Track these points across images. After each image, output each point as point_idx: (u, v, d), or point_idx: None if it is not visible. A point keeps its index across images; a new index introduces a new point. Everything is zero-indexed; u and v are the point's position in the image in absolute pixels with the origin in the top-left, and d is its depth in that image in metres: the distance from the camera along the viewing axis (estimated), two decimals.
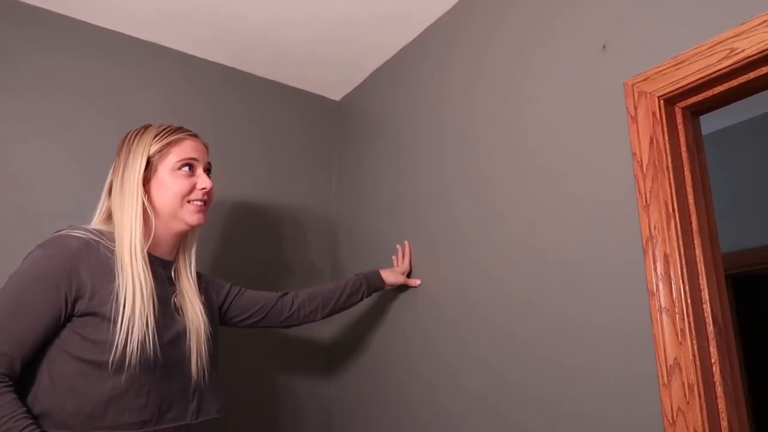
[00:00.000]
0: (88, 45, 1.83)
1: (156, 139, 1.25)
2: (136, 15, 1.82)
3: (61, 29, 1.79)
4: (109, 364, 1.07)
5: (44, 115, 1.71)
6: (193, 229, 1.32)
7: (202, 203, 1.28)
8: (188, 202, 1.26)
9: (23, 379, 1.08)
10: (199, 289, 1.34)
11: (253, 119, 2.13)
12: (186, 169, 1.26)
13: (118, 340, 1.08)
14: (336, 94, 2.35)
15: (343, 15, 1.82)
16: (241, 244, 1.98)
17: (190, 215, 1.26)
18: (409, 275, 1.73)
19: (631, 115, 1.15)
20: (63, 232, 1.16)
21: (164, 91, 1.94)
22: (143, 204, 1.21)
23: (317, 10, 1.79)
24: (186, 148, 1.27)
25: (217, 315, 1.42)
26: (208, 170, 1.32)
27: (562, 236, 1.27)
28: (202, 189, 1.27)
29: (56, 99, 1.74)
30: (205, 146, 1.34)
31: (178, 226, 1.27)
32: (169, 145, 1.25)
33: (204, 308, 1.29)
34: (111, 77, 1.85)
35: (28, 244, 1.15)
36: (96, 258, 1.14)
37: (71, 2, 1.75)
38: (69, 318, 1.10)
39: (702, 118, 1.18)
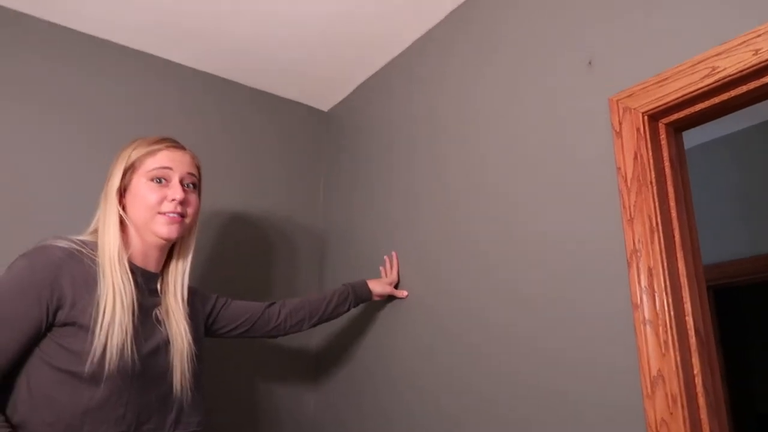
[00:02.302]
0: (76, 53, 1.83)
1: (135, 150, 1.24)
2: (127, 25, 1.82)
3: (48, 36, 1.79)
4: (87, 373, 1.06)
5: (29, 122, 1.70)
6: (179, 243, 1.30)
7: (174, 215, 1.23)
8: (159, 213, 1.22)
9: (2, 389, 1.07)
10: (189, 304, 1.32)
11: (242, 129, 2.13)
12: (158, 179, 1.23)
13: (95, 347, 1.07)
14: (324, 105, 2.37)
15: (330, 28, 1.83)
16: (229, 255, 1.98)
17: (160, 227, 1.22)
18: (396, 286, 1.74)
19: (615, 131, 1.17)
20: (47, 242, 1.15)
21: (153, 99, 1.94)
22: (119, 214, 1.21)
23: (305, 24, 1.81)
24: (160, 158, 1.24)
25: (203, 329, 1.41)
26: (191, 183, 1.28)
27: (548, 249, 1.29)
28: (173, 200, 1.22)
29: (43, 106, 1.73)
30: (191, 158, 1.30)
31: (151, 239, 1.23)
32: (145, 155, 1.24)
33: (189, 327, 1.27)
34: (99, 86, 1.84)
35: (15, 252, 1.14)
36: (78, 268, 1.13)
37: (59, 9, 1.74)
38: (49, 328, 1.09)
39: (687, 131, 1.21)
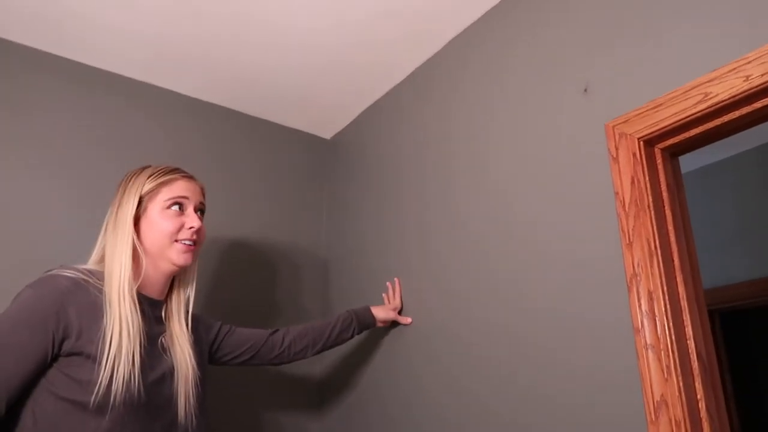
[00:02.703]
0: (88, 86, 1.87)
1: (150, 178, 1.27)
2: (135, 58, 1.87)
3: (61, 71, 1.83)
4: (93, 404, 1.06)
5: (45, 155, 1.73)
6: (183, 270, 1.32)
7: (190, 243, 1.27)
8: (176, 241, 1.26)
9: (7, 419, 1.07)
10: (193, 331, 1.33)
11: (246, 157, 2.17)
12: (175, 208, 1.27)
13: (102, 378, 1.07)
14: (327, 133, 2.40)
15: (333, 57, 1.88)
16: (232, 281, 1.99)
17: (177, 255, 1.25)
18: (400, 312, 1.74)
19: (612, 156, 1.19)
20: (53, 271, 1.16)
21: (162, 129, 1.98)
22: (133, 243, 1.22)
23: (307, 53, 1.85)
24: (176, 188, 1.28)
25: (207, 356, 1.41)
26: (201, 211, 1.33)
27: (549, 273, 1.29)
28: (191, 228, 1.27)
29: (57, 139, 1.77)
30: (201, 187, 1.35)
31: (166, 266, 1.26)
32: (161, 185, 1.27)
33: (193, 352, 1.28)
34: (111, 117, 1.88)
35: (22, 282, 1.15)
36: (85, 297, 1.14)
37: (71, 45, 1.79)
38: (55, 358, 1.09)
39: (684, 156, 1.22)
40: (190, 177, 1.33)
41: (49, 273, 1.16)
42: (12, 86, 1.74)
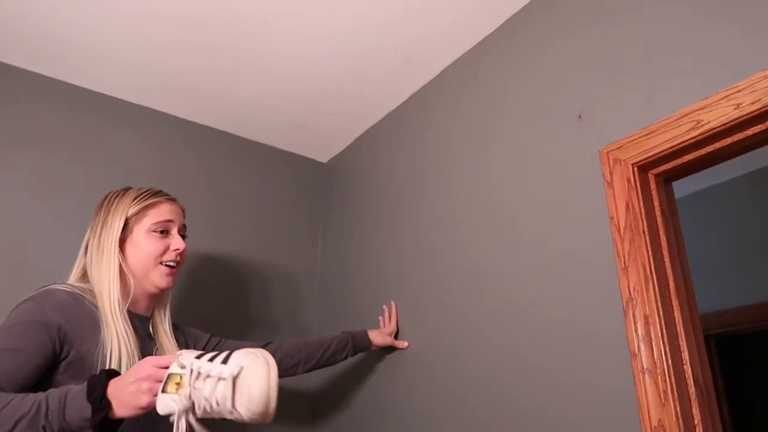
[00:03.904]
0: (80, 107, 1.89)
1: (135, 201, 1.30)
2: (132, 85, 1.91)
3: (56, 93, 1.85)
4: None
5: (38, 175, 1.74)
6: (166, 290, 1.35)
7: (174, 264, 1.31)
8: (161, 263, 1.29)
9: None
10: (177, 342, 1.36)
11: (243, 180, 2.18)
12: (161, 231, 1.30)
13: None
14: (323, 157, 2.42)
15: (329, 83, 1.90)
16: (227, 302, 1.98)
17: (160, 278, 1.29)
18: (396, 336, 1.73)
19: (607, 181, 1.20)
20: (50, 286, 1.18)
21: (156, 151, 1.99)
22: (119, 264, 1.25)
23: (304, 79, 1.88)
24: (162, 211, 1.31)
25: None
26: (183, 233, 1.36)
27: (546, 298, 1.30)
28: (175, 250, 1.31)
29: (51, 160, 1.78)
30: (182, 209, 1.39)
31: (149, 287, 1.30)
32: (146, 207, 1.30)
33: None
34: (105, 139, 1.90)
35: (10, 299, 1.16)
36: (82, 311, 1.17)
37: (71, 70, 1.82)
38: (59, 363, 1.11)
39: (678, 181, 1.24)
40: (173, 200, 1.37)
41: (47, 287, 1.18)
42: (9, 109, 1.75)
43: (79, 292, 1.20)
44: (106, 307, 1.19)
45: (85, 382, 0.96)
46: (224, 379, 0.87)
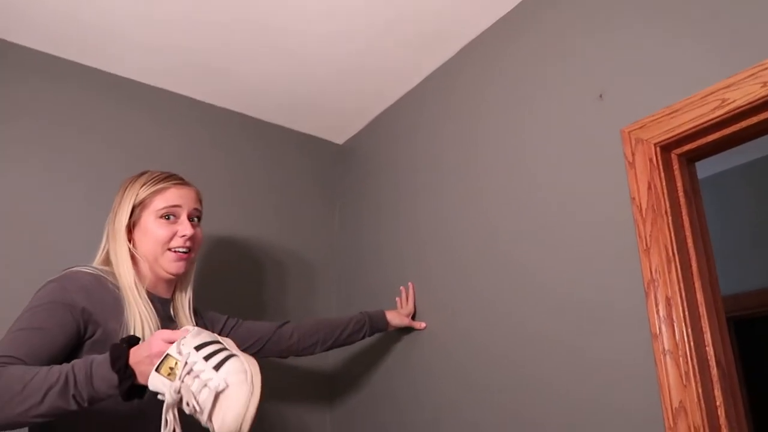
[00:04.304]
0: (104, 91, 1.90)
1: (143, 187, 1.30)
2: (151, 68, 1.91)
3: (78, 76, 1.86)
4: None
5: (63, 159, 1.77)
6: (178, 276, 1.34)
7: (184, 251, 1.29)
8: (169, 249, 1.28)
9: None
10: (197, 325, 1.36)
11: (259, 162, 2.18)
12: (168, 217, 1.29)
13: None
14: (339, 138, 2.41)
15: (344, 65, 1.89)
16: (244, 283, 2.00)
17: (169, 263, 1.28)
18: (414, 316, 1.74)
19: (628, 161, 1.19)
20: (73, 268, 1.20)
21: (175, 134, 2.00)
22: (129, 250, 1.26)
23: (320, 61, 1.87)
24: (169, 196, 1.29)
25: None
26: (197, 218, 1.35)
27: (567, 279, 1.29)
28: (183, 236, 1.28)
29: (73, 143, 1.80)
30: (195, 193, 1.36)
31: (162, 273, 1.29)
32: (153, 194, 1.29)
33: None
34: (126, 121, 1.91)
35: (38, 282, 1.17)
36: (105, 292, 1.19)
37: (92, 54, 1.82)
38: (83, 343, 1.13)
39: (701, 162, 1.22)
40: (183, 183, 1.35)
41: (70, 270, 1.20)
42: (35, 93, 1.77)
43: (101, 274, 1.21)
44: (126, 289, 1.21)
45: (107, 353, 0.98)
46: (209, 387, 0.88)
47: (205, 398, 0.88)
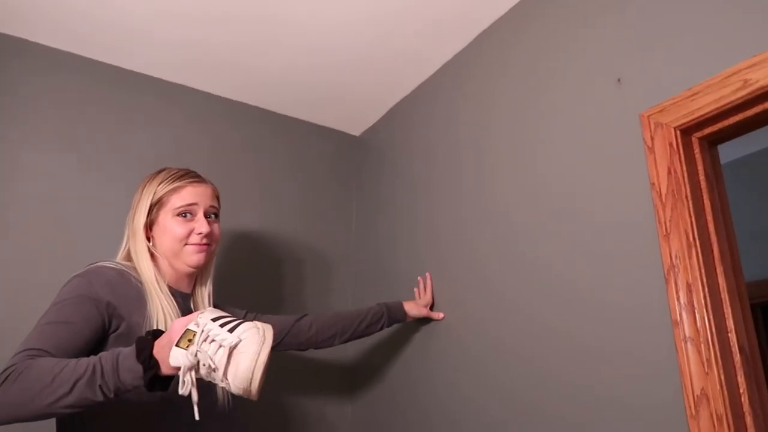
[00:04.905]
0: (126, 89, 1.93)
1: (160, 186, 1.32)
2: (168, 62, 1.93)
3: (101, 74, 1.90)
4: None
5: (85, 154, 1.80)
6: (200, 268, 1.36)
7: (204, 242, 1.32)
8: (187, 244, 1.31)
9: None
10: None
11: (275, 154, 2.20)
12: (185, 215, 1.31)
13: None
14: (356, 130, 2.41)
15: (360, 56, 1.89)
16: (262, 276, 2.02)
17: (189, 256, 1.31)
18: (431, 307, 1.74)
19: (648, 146, 1.16)
20: (97, 264, 1.23)
21: (193, 129, 2.02)
22: (148, 248, 1.29)
23: (335, 52, 1.87)
24: (185, 195, 1.32)
25: None
26: (214, 214, 1.37)
27: (585, 267, 1.28)
28: (199, 234, 1.31)
29: (98, 139, 1.83)
30: (212, 190, 1.38)
31: (183, 268, 1.32)
32: (170, 192, 1.31)
33: None
34: (148, 119, 1.94)
35: (61, 276, 1.20)
36: (128, 286, 1.22)
37: (110, 50, 1.85)
38: (108, 336, 1.15)
39: (726, 144, 1.19)
40: (199, 181, 1.36)
41: (94, 265, 1.23)
42: (59, 90, 1.81)
43: (125, 269, 1.24)
44: (148, 284, 1.24)
45: (133, 345, 1.00)
46: (224, 346, 0.90)
47: (221, 356, 0.90)
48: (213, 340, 0.92)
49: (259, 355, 0.90)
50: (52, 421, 1.16)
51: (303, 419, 1.96)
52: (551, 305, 1.34)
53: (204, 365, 0.91)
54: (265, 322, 1.50)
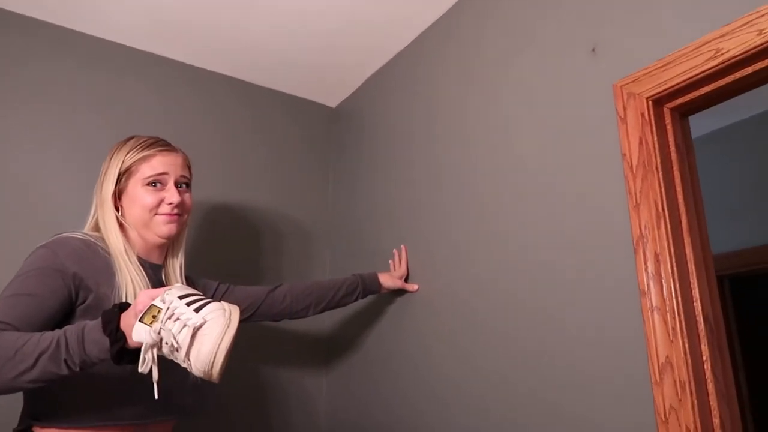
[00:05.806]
0: (89, 55, 1.86)
1: (129, 154, 1.28)
2: (137, 27, 1.86)
3: (62, 40, 1.83)
4: None
5: (45, 122, 1.74)
6: (170, 238, 1.32)
7: (174, 214, 1.29)
8: (157, 214, 1.27)
9: None
10: None
11: (248, 126, 2.15)
12: (155, 184, 1.27)
13: None
14: (332, 101, 2.37)
15: (337, 24, 1.84)
16: (237, 248, 2.00)
17: (160, 227, 1.27)
18: (406, 279, 1.74)
19: (620, 116, 1.16)
20: (63, 234, 1.20)
21: (163, 99, 1.97)
22: (117, 218, 1.25)
23: (312, 20, 1.82)
24: (155, 164, 1.27)
25: None
26: (185, 184, 1.33)
27: (554, 236, 1.28)
28: (170, 204, 1.27)
29: (58, 107, 1.77)
30: (183, 159, 1.33)
31: (152, 238, 1.28)
32: (139, 161, 1.27)
33: None
34: (112, 86, 1.88)
35: (28, 249, 1.17)
36: (96, 257, 1.18)
37: (72, 15, 1.78)
38: (75, 309, 1.13)
39: (698, 117, 1.19)
40: (169, 150, 1.32)
41: (60, 235, 1.19)
42: (12, 55, 1.73)
43: (92, 239, 1.21)
44: (116, 255, 1.21)
45: (100, 317, 0.98)
46: (188, 326, 0.89)
47: (184, 336, 0.89)
48: (178, 319, 0.90)
49: (222, 339, 0.88)
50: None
51: (278, 390, 1.96)
52: (523, 277, 1.34)
53: (167, 344, 0.90)
54: (238, 293, 1.50)
